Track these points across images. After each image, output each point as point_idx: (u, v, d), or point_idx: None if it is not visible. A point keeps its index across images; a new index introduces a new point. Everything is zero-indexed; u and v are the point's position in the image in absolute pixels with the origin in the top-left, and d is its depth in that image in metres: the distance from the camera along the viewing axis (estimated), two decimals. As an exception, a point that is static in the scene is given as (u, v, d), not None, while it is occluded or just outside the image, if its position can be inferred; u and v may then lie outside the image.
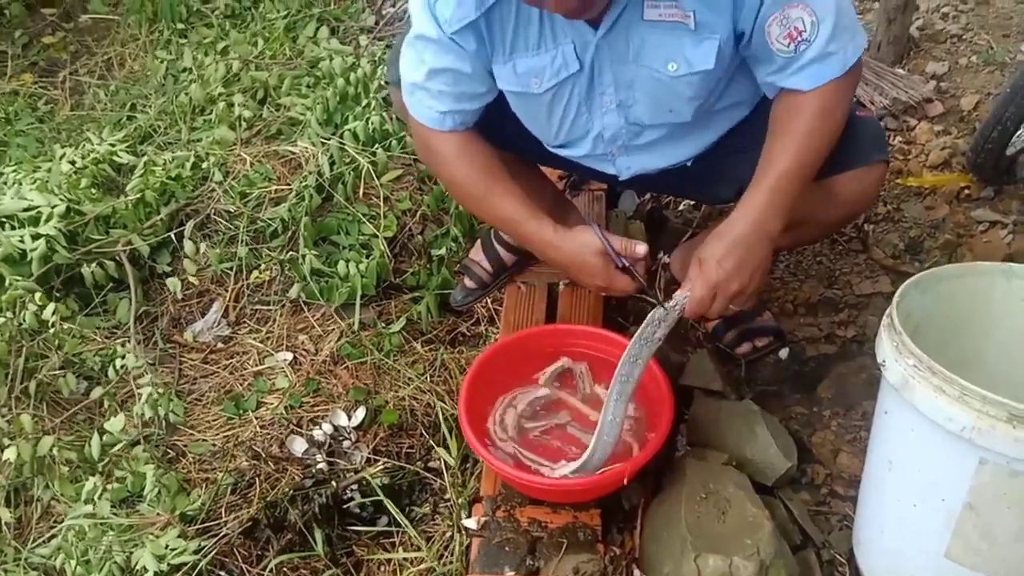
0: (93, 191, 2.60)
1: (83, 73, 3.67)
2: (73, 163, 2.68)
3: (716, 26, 1.59)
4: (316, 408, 2.14)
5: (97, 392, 2.17)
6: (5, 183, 2.66)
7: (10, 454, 1.95)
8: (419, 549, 1.81)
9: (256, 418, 2.13)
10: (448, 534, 1.82)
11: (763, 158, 1.66)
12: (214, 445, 2.08)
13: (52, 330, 2.21)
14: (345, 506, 1.89)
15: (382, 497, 1.88)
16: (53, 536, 1.90)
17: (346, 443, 2.04)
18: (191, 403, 2.21)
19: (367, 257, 2.39)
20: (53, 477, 1.98)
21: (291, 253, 2.44)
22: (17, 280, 2.26)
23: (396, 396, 2.14)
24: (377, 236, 2.44)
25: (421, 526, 1.88)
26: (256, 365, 2.29)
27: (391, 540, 1.87)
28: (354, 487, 1.92)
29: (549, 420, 1.87)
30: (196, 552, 1.79)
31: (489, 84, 1.77)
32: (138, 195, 2.53)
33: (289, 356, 2.28)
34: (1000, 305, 1.60)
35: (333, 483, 1.91)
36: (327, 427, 2.06)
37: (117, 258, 2.44)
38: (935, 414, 1.33)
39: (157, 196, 2.56)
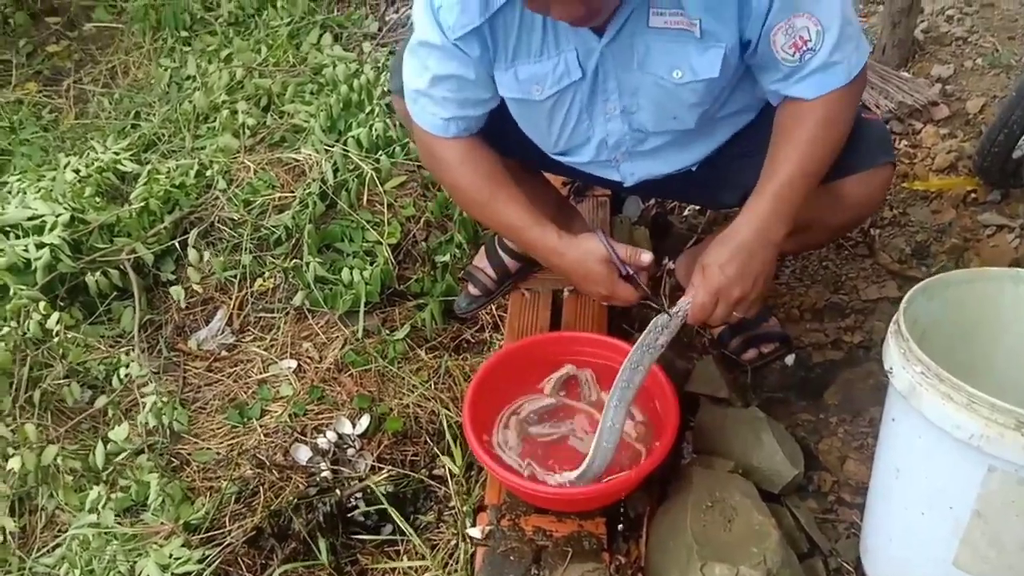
0: (97, 200, 2.60)
1: (87, 81, 3.68)
2: (77, 172, 2.68)
3: (722, 35, 1.58)
4: (320, 416, 2.13)
5: (101, 401, 2.17)
6: (10, 192, 2.67)
7: (15, 463, 1.95)
8: (423, 558, 1.80)
9: (260, 426, 2.12)
10: (453, 542, 1.82)
11: (767, 165, 1.66)
12: (218, 454, 2.08)
13: (56, 339, 2.21)
14: (349, 514, 1.89)
15: (386, 505, 1.87)
16: (57, 546, 1.91)
17: (350, 451, 2.04)
18: (195, 411, 2.21)
19: (371, 264, 2.39)
20: (57, 486, 1.98)
21: (295, 261, 2.44)
22: (21, 289, 2.26)
23: (400, 404, 2.14)
24: (381, 243, 2.43)
25: (425, 534, 1.88)
26: (260, 373, 2.28)
27: (395, 549, 1.87)
28: (358, 495, 1.92)
29: (554, 428, 1.86)
30: (200, 561, 1.78)
31: (493, 90, 1.76)
32: (142, 203, 2.53)
33: (293, 364, 2.28)
34: (1009, 311, 1.58)
35: (337, 491, 1.91)
36: (331, 435, 2.05)
37: (121, 267, 2.44)
38: (943, 422, 1.32)
39: (161, 204, 2.56)
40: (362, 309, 2.33)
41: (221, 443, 2.11)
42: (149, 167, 2.69)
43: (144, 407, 2.10)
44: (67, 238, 2.38)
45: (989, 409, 1.26)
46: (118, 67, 3.71)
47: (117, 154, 2.80)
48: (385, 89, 2.91)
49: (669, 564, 1.61)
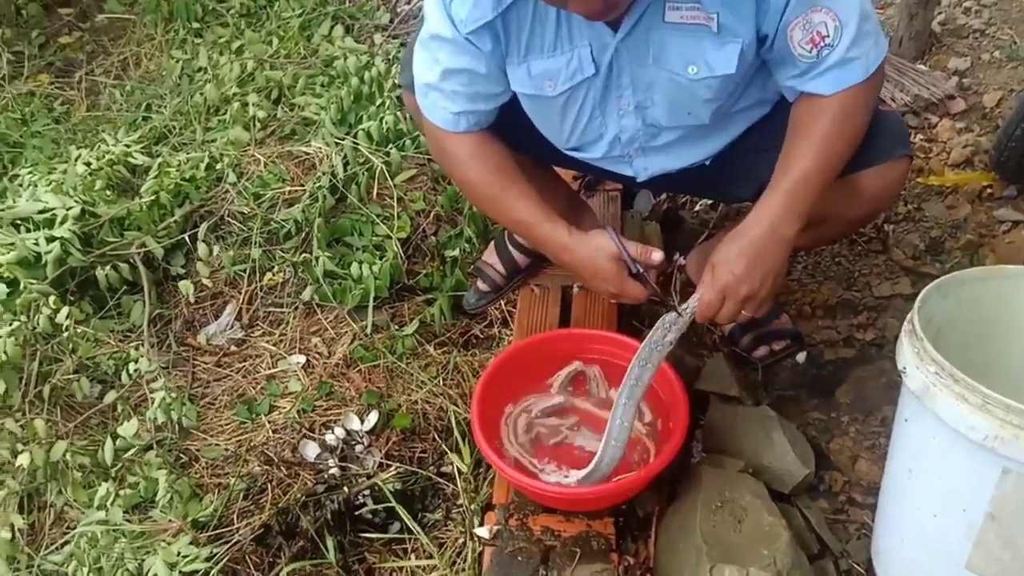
0: (108, 193, 2.60)
1: (99, 73, 3.68)
2: (88, 164, 2.68)
3: (739, 30, 1.56)
4: (329, 412, 2.12)
5: (110, 396, 2.17)
6: (21, 185, 2.67)
7: (23, 459, 1.95)
8: (431, 557, 1.79)
9: (269, 422, 2.12)
10: (460, 540, 1.81)
11: (781, 160, 1.64)
12: (227, 450, 2.08)
13: (66, 333, 2.21)
14: (357, 512, 1.88)
15: (394, 503, 1.86)
16: (66, 543, 1.91)
17: (359, 447, 2.03)
18: (204, 407, 2.21)
19: (380, 259, 2.37)
20: (66, 482, 1.98)
21: (304, 255, 2.43)
22: (32, 283, 2.27)
23: (409, 400, 2.13)
24: (391, 237, 2.43)
25: (433, 532, 1.86)
26: (269, 368, 2.28)
27: (403, 547, 1.86)
28: (366, 492, 1.91)
29: (563, 426, 1.85)
30: (208, 559, 1.78)
31: (504, 85, 1.75)
32: (152, 197, 2.53)
33: (302, 359, 2.27)
34: (1025, 309, 1.56)
35: (345, 488, 1.90)
36: (340, 431, 2.04)
37: (131, 260, 2.44)
38: (957, 422, 1.30)
39: (171, 198, 2.56)
40: (371, 304, 2.32)
41: (229, 439, 2.11)
42: (160, 160, 2.69)
43: (153, 403, 2.10)
44: (77, 231, 2.38)
45: (1004, 410, 1.24)
46: (130, 59, 3.70)
47: (128, 147, 2.80)
48: (396, 82, 2.90)
49: (678, 565, 1.60)
